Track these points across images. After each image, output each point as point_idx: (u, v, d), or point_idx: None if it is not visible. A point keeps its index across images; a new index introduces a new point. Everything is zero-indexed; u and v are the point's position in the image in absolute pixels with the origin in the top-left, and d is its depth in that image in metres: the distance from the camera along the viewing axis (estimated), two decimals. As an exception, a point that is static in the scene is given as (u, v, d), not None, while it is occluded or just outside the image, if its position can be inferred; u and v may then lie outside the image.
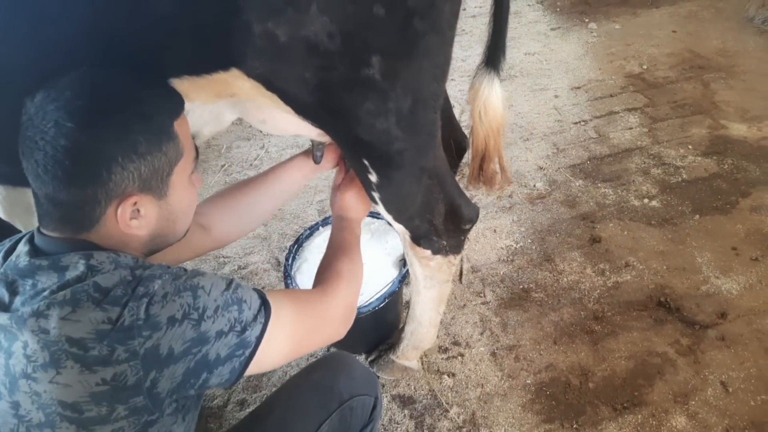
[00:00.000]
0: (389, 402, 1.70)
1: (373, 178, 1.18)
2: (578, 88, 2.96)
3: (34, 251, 0.86)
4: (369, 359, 1.80)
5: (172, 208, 0.93)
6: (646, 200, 2.26)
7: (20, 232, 1.02)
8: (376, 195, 1.24)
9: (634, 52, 3.16)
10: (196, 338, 0.82)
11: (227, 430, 1.22)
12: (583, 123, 2.72)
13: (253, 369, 0.91)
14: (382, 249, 1.77)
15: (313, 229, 1.82)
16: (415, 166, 1.21)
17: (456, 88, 3.05)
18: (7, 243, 0.92)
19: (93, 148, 0.82)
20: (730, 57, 3.02)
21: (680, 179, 2.34)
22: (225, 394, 1.75)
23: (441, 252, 1.42)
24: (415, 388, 1.74)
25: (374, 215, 1.82)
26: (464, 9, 3.97)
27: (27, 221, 1.22)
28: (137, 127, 0.85)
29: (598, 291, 1.95)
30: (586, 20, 3.54)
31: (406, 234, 1.36)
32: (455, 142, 1.63)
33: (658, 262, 2.01)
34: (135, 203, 0.86)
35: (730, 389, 1.62)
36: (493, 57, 1.30)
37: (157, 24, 0.91)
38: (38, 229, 0.89)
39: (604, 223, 2.19)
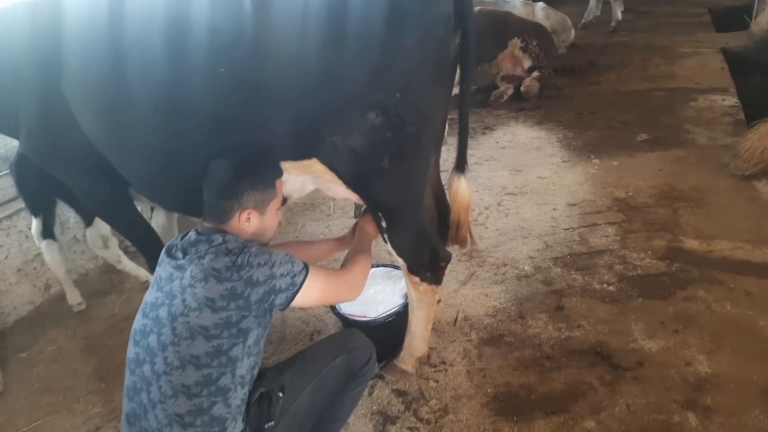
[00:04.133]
0: (389, 393, 2.45)
1: (384, 224, 2.08)
2: (574, 205, 3.80)
3: (198, 234, 1.79)
4: (380, 365, 2.56)
5: (265, 223, 1.85)
6: (605, 285, 2.99)
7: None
8: (386, 236, 2.12)
9: (624, 183, 4.00)
10: (270, 275, 1.68)
11: (279, 363, 2.03)
12: (571, 230, 3.53)
13: (298, 301, 1.74)
14: (395, 288, 2.61)
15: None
16: (409, 221, 2.10)
17: (479, 197, 3.98)
18: (183, 234, 1.86)
19: (238, 183, 1.76)
20: (701, 192, 3.78)
21: (635, 274, 3.05)
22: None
23: (426, 281, 2.25)
24: (408, 386, 2.47)
25: (395, 267, 2.69)
26: (497, 142, 5.02)
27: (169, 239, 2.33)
28: (261, 179, 1.81)
29: (554, 341, 2.65)
30: (592, 157, 4.45)
31: (404, 265, 2.22)
32: (447, 219, 2.51)
33: (603, 326, 2.70)
34: (249, 213, 1.79)
35: (632, 409, 2.25)
36: (460, 164, 2.20)
37: (279, 137, 1.89)
38: (201, 224, 1.84)
39: (569, 298, 2.92)
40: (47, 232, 2.96)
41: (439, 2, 1.78)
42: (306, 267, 1.78)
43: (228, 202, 1.75)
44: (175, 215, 3.01)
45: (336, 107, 1.80)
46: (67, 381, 2.75)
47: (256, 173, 1.79)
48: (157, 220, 2.97)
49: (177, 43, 1.78)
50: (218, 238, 1.72)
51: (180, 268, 1.70)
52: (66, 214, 3.52)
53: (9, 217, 3.25)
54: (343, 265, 2.00)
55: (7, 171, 3.08)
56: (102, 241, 3.02)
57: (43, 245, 2.98)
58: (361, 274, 1.98)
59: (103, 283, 3.50)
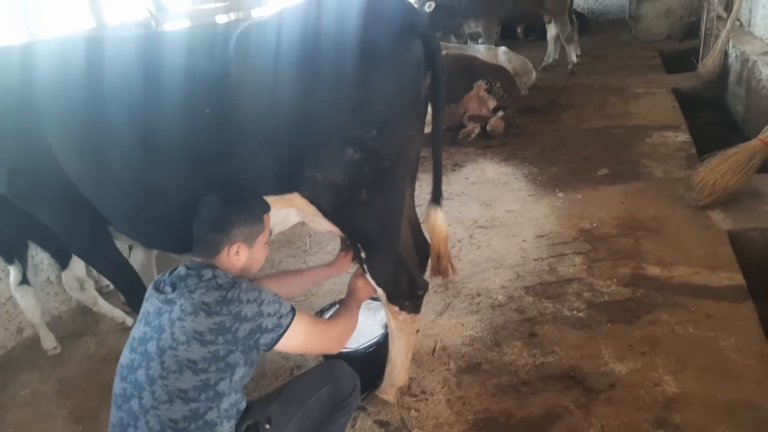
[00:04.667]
0: (371, 424, 2.48)
1: (363, 255, 2.16)
2: (542, 236, 3.96)
3: (187, 268, 1.85)
4: (362, 397, 2.59)
5: (253, 257, 1.92)
6: (575, 312, 3.11)
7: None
8: (366, 266, 2.20)
9: (588, 215, 4.18)
10: (258, 312, 1.75)
11: (264, 395, 2.06)
12: (540, 260, 3.67)
13: (283, 344, 1.80)
14: (376, 319, 2.68)
15: (332, 305, 2.76)
16: (387, 250, 2.19)
17: (451, 231, 4.10)
18: (172, 269, 1.91)
19: (228, 218, 1.84)
20: (660, 221, 3.98)
21: (603, 300, 3.19)
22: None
23: (405, 309, 2.32)
24: (390, 416, 2.51)
25: (374, 298, 2.75)
26: (467, 178, 5.20)
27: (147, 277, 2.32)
28: (250, 213, 1.89)
29: (529, 366, 2.74)
30: (557, 191, 4.65)
31: (383, 295, 2.29)
32: (423, 250, 2.61)
33: (575, 351, 2.80)
34: (238, 247, 1.85)
35: (606, 429, 2.33)
36: (436, 197, 2.32)
37: (264, 175, 1.98)
38: (191, 259, 1.89)
39: (542, 325, 3.03)
40: (22, 278, 2.93)
41: (410, 47, 1.93)
42: (293, 310, 1.84)
43: (218, 235, 1.82)
44: (154, 253, 3.03)
45: (317, 144, 1.91)
46: (42, 425, 2.69)
47: (246, 207, 1.87)
48: (136, 258, 2.98)
49: (160, 85, 1.88)
50: (208, 273, 1.77)
51: (169, 302, 1.74)
52: (39, 257, 3.48)
53: (-20, 260, 3.21)
54: (332, 317, 2.10)
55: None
56: (78, 283, 3.01)
57: (18, 292, 2.94)
58: (347, 328, 2.06)
59: (77, 325, 3.46)
